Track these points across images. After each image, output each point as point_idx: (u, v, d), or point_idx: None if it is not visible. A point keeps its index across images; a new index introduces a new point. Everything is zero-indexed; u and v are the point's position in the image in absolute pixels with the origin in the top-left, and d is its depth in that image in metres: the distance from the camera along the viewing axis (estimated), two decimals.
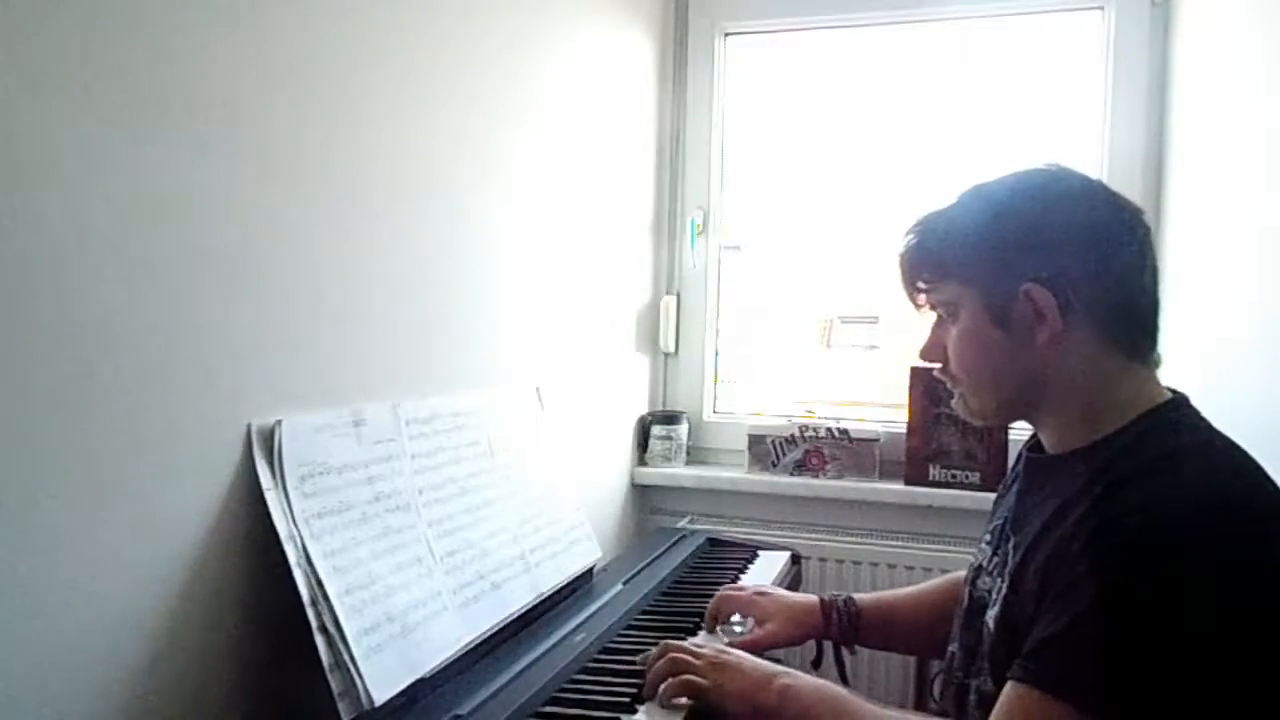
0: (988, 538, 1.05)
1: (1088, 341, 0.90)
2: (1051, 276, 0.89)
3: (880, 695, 1.98)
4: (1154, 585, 0.74)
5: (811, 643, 1.30)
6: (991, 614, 0.93)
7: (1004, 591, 0.91)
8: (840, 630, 1.26)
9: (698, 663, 1.02)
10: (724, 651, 1.05)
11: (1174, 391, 0.93)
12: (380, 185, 1.20)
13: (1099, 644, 0.75)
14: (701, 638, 1.27)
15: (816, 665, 1.29)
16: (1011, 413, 1.00)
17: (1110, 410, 0.90)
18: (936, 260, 0.97)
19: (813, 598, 1.29)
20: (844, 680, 1.29)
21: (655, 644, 1.23)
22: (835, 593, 1.29)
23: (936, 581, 1.32)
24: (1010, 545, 0.95)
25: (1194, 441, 0.86)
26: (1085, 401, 0.91)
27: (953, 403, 1.03)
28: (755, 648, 1.22)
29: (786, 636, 1.26)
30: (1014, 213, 0.92)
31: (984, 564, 1.02)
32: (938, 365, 1.01)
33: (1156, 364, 0.93)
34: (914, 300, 1.02)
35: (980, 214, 0.95)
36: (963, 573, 1.25)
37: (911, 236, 1.00)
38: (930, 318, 1.02)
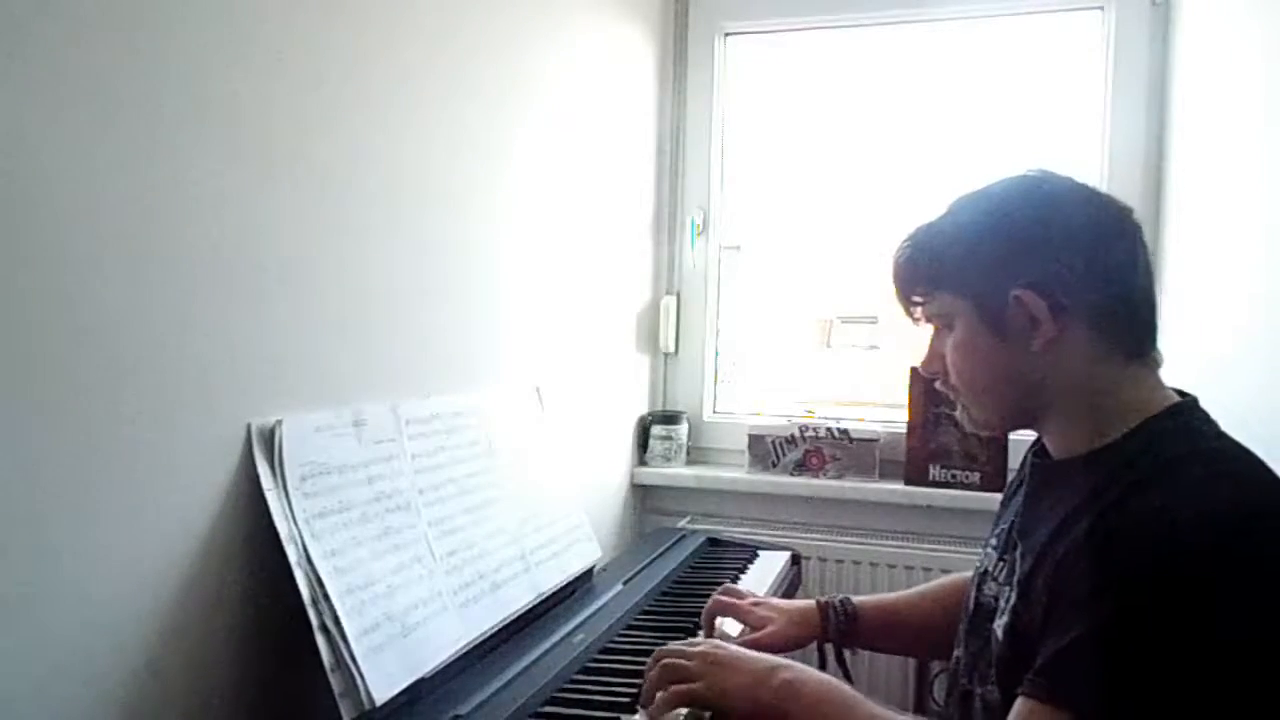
0: (994, 542, 1.04)
1: (1084, 344, 0.89)
2: (1041, 280, 0.88)
3: (880, 695, 1.98)
4: (1161, 596, 0.73)
5: (813, 652, 1.27)
6: (1000, 623, 0.92)
7: (1013, 601, 0.90)
8: (837, 632, 1.24)
9: (691, 665, 0.99)
10: (718, 647, 1.02)
11: (1182, 394, 0.92)
12: (380, 184, 1.20)
13: (1109, 656, 0.74)
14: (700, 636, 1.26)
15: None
16: (1015, 421, 0.98)
17: (1115, 413, 0.89)
18: (928, 272, 0.97)
19: (809, 601, 1.28)
20: (850, 682, 1.28)
21: (655, 644, 1.23)
22: (832, 594, 1.28)
23: (937, 583, 1.30)
24: (1018, 553, 0.93)
25: (1203, 447, 0.85)
26: (1088, 405, 0.90)
27: (956, 414, 1.02)
28: (757, 649, 1.20)
29: (786, 638, 1.23)
30: (1000, 219, 0.92)
31: (989, 569, 1.01)
32: (938, 377, 1.00)
33: (1158, 363, 0.92)
34: (909, 313, 1.02)
35: (967, 223, 0.95)
36: (964, 574, 1.24)
37: (903, 250, 1.00)
38: (928, 329, 1.02)
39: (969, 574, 1.24)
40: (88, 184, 0.80)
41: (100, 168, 0.81)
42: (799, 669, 0.97)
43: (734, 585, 1.37)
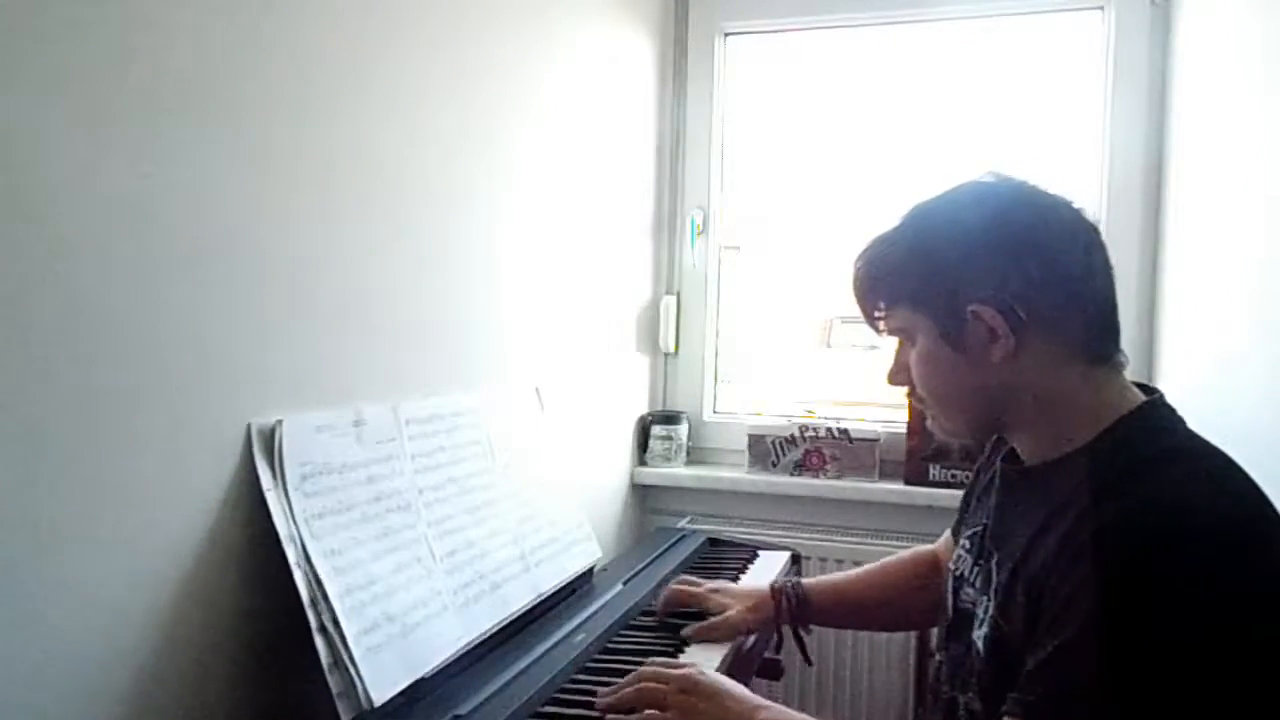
0: (966, 544, 1.03)
1: (1044, 352, 0.88)
2: (997, 292, 0.87)
3: (881, 689, 1.99)
4: (1138, 602, 0.72)
5: (772, 633, 1.35)
6: (980, 634, 0.91)
7: (991, 611, 0.89)
8: (791, 613, 1.31)
9: (667, 690, 0.98)
10: (699, 676, 1.00)
11: (1148, 391, 0.91)
12: (381, 185, 1.20)
13: (1091, 669, 0.73)
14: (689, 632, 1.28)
15: (777, 650, 1.36)
16: (983, 430, 0.99)
17: (1080, 419, 0.88)
18: (884, 287, 0.96)
19: (763, 585, 1.35)
20: (805, 658, 1.37)
21: (655, 644, 1.24)
22: (784, 579, 1.35)
23: (892, 560, 1.37)
24: (994, 562, 0.93)
25: (1171, 447, 0.84)
26: (1053, 412, 0.89)
27: (927, 424, 1.01)
28: (719, 634, 1.27)
29: (746, 623, 1.30)
30: (948, 233, 0.91)
31: (965, 574, 1.00)
32: (906, 388, 1.00)
33: (1123, 365, 0.91)
34: (873, 327, 1.00)
35: (917, 237, 0.94)
36: (903, 553, 1.36)
37: (859, 263, 0.99)
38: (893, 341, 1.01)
39: (907, 553, 1.36)
40: (88, 184, 0.80)
41: (100, 168, 0.81)
42: (777, 710, 0.96)
43: (688, 575, 1.44)
